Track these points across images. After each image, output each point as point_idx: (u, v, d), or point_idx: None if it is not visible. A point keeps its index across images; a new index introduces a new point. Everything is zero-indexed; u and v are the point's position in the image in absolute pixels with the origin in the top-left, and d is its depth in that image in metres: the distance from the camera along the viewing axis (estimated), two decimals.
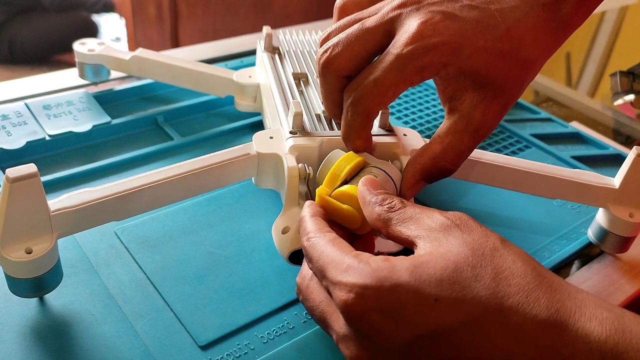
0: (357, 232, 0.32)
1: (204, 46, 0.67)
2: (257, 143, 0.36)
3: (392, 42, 0.31)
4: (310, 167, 0.35)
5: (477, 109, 0.31)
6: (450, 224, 0.27)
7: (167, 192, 0.34)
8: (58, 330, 0.32)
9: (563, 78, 0.90)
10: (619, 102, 0.67)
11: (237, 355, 0.32)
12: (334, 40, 0.33)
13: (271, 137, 0.37)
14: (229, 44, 0.67)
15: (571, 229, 0.44)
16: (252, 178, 0.38)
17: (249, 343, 0.33)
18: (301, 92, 0.42)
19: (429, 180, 0.33)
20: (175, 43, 1.66)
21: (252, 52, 0.64)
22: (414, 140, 0.38)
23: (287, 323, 0.34)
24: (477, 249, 0.25)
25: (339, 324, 0.27)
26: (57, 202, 0.31)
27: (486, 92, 0.31)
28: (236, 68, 0.51)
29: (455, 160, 0.32)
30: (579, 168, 0.51)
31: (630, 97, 0.65)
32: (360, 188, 0.30)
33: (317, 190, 0.32)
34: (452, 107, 0.32)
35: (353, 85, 0.32)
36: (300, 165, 0.34)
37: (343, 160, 0.32)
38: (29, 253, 0.30)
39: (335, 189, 0.31)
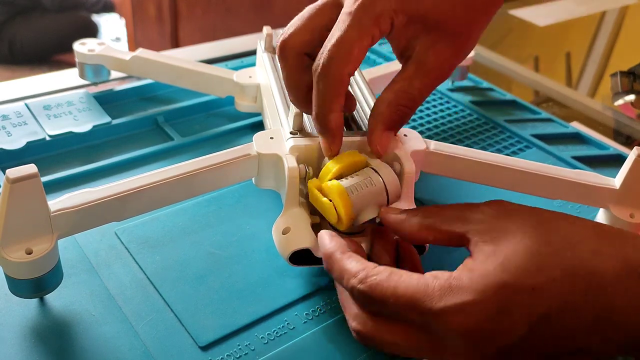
0: (336, 227, 0.33)
1: (204, 46, 0.67)
2: (258, 143, 0.36)
3: (343, 8, 0.32)
4: (310, 168, 0.35)
5: (428, 53, 0.32)
6: (498, 212, 0.28)
7: (167, 193, 0.34)
8: (58, 331, 0.32)
9: (563, 78, 0.90)
10: (620, 102, 0.67)
11: (238, 356, 0.32)
12: (289, 24, 0.34)
13: (271, 138, 0.37)
14: (229, 44, 0.67)
15: None
16: (252, 178, 0.38)
17: (249, 344, 0.32)
18: None
19: (392, 128, 0.34)
20: (175, 43, 1.66)
21: (252, 52, 0.64)
22: (414, 140, 0.38)
23: (287, 324, 0.34)
24: (537, 227, 0.26)
25: (452, 347, 0.26)
26: (58, 202, 0.31)
27: (437, 35, 0.32)
28: (236, 68, 0.51)
29: (408, 104, 0.33)
30: (579, 168, 0.51)
31: (631, 97, 0.65)
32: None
33: (309, 181, 0.33)
34: (405, 56, 0.33)
35: (318, 57, 0.32)
36: (300, 165, 0.34)
37: (341, 156, 0.33)
38: (29, 254, 0.30)
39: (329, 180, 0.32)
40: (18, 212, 0.29)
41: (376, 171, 0.33)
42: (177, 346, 0.32)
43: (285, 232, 0.34)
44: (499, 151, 0.53)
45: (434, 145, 0.38)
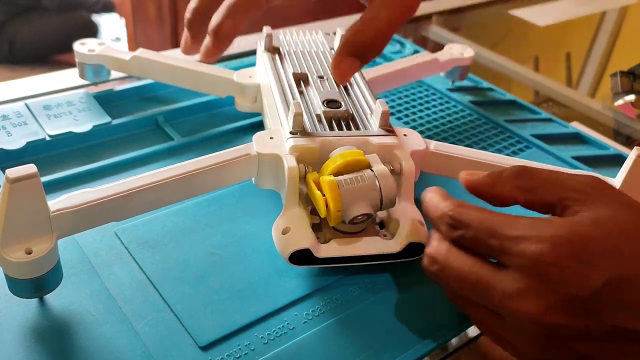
0: (328, 220, 0.33)
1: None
2: (257, 143, 0.36)
3: None
4: (310, 167, 0.35)
5: None
6: (594, 184, 0.28)
7: (167, 193, 0.34)
8: (58, 331, 0.32)
9: (563, 78, 0.90)
10: (620, 102, 0.67)
11: (238, 356, 0.32)
12: None
13: (271, 138, 0.37)
14: None
15: None
16: (252, 178, 0.38)
17: (249, 344, 0.33)
18: (301, 93, 0.42)
19: (357, 55, 0.35)
20: (175, 43, 1.66)
21: (252, 52, 0.64)
22: (414, 140, 0.38)
23: (287, 324, 0.34)
24: (633, 207, 0.27)
25: (508, 281, 0.26)
26: (58, 202, 0.31)
27: None
28: (236, 68, 0.51)
29: (375, 35, 0.35)
30: (579, 168, 0.51)
31: (631, 97, 0.65)
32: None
33: (308, 174, 0.34)
34: None
35: None
36: (300, 165, 0.34)
37: (345, 153, 0.33)
38: (29, 253, 0.30)
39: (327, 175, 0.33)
40: (18, 212, 0.29)
41: (375, 175, 0.33)
42: (177, 346, 0.32)
43: (285, 232, 0.34)
44: (499, 151, 0.53)
45: (434, 145, 0.38)
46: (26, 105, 0.48)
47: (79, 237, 0.38)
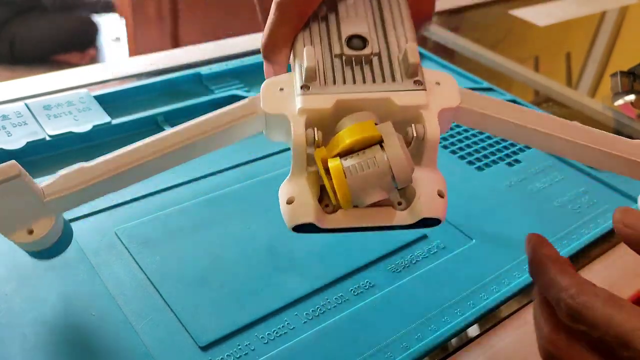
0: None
1: (204, 46, 0.67)
2: (265, 98, 0.31)
3: None
4: (320, 132, 0.30)
5: None
6: None
7: (166, 161, 0.32)
8: (58, 331, 0.32)
9: (563, 78, 0.90)
10: (620, 102, 0.67)
11: (238, 356, 0.32)
12: None
13: (281, 90, 0.31)
14: (229, 44, 0.67)
15: (571, 229, 0.44)
16: (263, 131, 0.33)
17: (249, 344, 0.32)
18: (323, 19, 0.33)
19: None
20: (175, 43, 1.66)
21: (252, 52, 0.64)
22: (447, 92, 0.32)
23: (287, 324, 0.34)
24: None
25: None
26: (52, 185, 0.30)
27: None
28: (236, 68, 0.51)
29: None
30: (580, 169, 0.51)
31: (631, 97, 0.65)
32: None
33: (316, 150, 0.29)
34: None
35: None
36: (308, 130, 0.29)
37: (354, 128, 0.29)
38: (31, 233, 0.30)
39: (334, 156, 0.29)
40: (8, 208, 0.29)
41: (385, 155, 0.28)
42: (177, 346, 0.32)
43: (289, 201, 0.31)
44: (499, 151, 0.53)
45: (468, 98, 0.33)
46: (26, 105, 0.48)
47: (79, 237, 0.38)
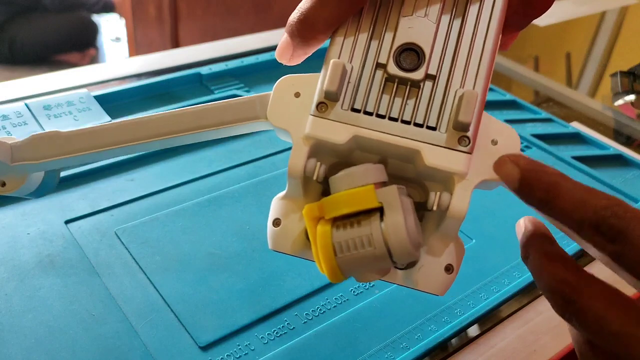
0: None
1: (204, 46, 0.67)
2: (274, 102, 0.26)
3: None
4: (323, 167, 0.24)
5: None
6: None
7: (150, 146, 0.29)
8: (58, 331, 0.32)
9: (563, 78, 0.90)
10: (620, 102, 0.67)
11: (238, 356, 0.32)
12: None
13: (297, 95, 0.26)
14: (229, 44, 0.67)
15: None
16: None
17: (249, 344, 0.32)
18: (375, 21, 0.25)
19: None
20: (175, 43, 1.66)
21: (252, 52, 0.64)
22: (502, 152, 0.24)
23: (287, 324, 0.34)
24: None
25: None
26: (20, 148, 0.29)
27: None
28: (236, 68, 0.51)
29: None
30: (579, 168, 0.51)
31: (631, 97, 0.65)
32: None
33: (306, 205, 0.24)
34: None
35: None
36: (309, 161, 0.24)
37: (350, 196, 0.23)
38: (4, 185, 0.30)
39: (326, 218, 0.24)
40: None
41: (382, 233, 0.22)
42: (177, 346, 0.32)
43: (276, 224, 0.27)
44: None
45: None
46: (26, 105, 0.48)
47: (79, 237, 0.38)
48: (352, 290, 0.36)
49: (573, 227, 0.21)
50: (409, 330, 0.34)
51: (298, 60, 0.26)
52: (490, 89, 0.63)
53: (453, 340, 0.35)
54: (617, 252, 0.21)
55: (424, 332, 0.34)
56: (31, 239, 0.38)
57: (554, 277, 0.22)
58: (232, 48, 0.66)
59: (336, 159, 0.25)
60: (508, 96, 0.62)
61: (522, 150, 0.53)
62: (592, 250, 0.22)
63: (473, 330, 0.35)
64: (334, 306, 0.35)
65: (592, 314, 0.20)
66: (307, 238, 0.25)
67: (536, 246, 0.23)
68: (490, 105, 0.60)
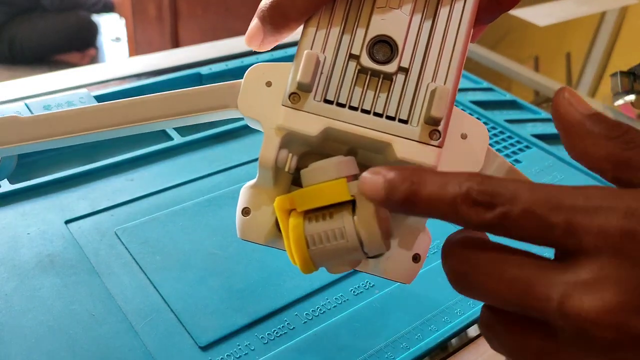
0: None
1: (204, 46, 0.67)
2: (245, 91, 0.26)
3: None
4: (295, 158, 0.25)
5: None
6: None
7: (117, 133, 0.28)
8: (58, 331, 0.32)
9: (563, 78, 0.90)
10: (620, 102, 0.66)
11: (238, 356, 0.32)
12: None
13: (269, 84, 0.26)
14: (229, 44, 0.67)
15: None
16: None
17: (249, 344, 0.32)
18: (348, 9, 0.25)
19: None
20: (175, 43, 1.66)
21: (252, 52, 0.64)
22: (469, 151, 0.25)
23: (287, 324, 0.34)
24: None
25: (573, 273, 0.19)
26: None
27: None
28: (236, 68, 0.51)
29: None
30: (580, 169, 0.51)
31: (631, 97, 0.65)
32: None
33: (278, 198, 0.24)
34: None
35: None
36: (281, 152, 0.25)
37: (321, 190, 0.23)
38: None
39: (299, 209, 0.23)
40: None
41: (355, 227, 0.23)
42: (177, 346, 0.32)
43: (245, 213, 0.26)
44: (499, 151, 0.53)
45: (497, 166, 0.26)
46: (26, 105, 0.48)
47: (79, 237, 0.38)
48: (352, 290, 0.36)
49: (448, 212, 0.20)
50: (409, 330, 0.34)
51: (268, 46, 0.26)
52: (491, 89, 0.63)
53: (453, 340, 0.35)
54: (499, 216, 0.19)
55: (424, 332, 0.34)
56: (31, 239, 0.38)
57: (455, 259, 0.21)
58: (232, 48, 0.66)
59: (307, 149, 0.25)
60: (508, 96, 0.62)
61: (522, 150, 0.53)
62: (477, 234, 0.21)
63: (473, 330, 0.35)
64: (334, 306, 0.35)
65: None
66: (278, 228, 0.25)
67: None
68: (490, 105, 0.60)
